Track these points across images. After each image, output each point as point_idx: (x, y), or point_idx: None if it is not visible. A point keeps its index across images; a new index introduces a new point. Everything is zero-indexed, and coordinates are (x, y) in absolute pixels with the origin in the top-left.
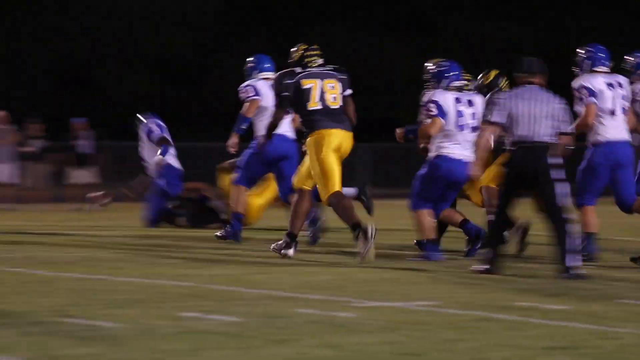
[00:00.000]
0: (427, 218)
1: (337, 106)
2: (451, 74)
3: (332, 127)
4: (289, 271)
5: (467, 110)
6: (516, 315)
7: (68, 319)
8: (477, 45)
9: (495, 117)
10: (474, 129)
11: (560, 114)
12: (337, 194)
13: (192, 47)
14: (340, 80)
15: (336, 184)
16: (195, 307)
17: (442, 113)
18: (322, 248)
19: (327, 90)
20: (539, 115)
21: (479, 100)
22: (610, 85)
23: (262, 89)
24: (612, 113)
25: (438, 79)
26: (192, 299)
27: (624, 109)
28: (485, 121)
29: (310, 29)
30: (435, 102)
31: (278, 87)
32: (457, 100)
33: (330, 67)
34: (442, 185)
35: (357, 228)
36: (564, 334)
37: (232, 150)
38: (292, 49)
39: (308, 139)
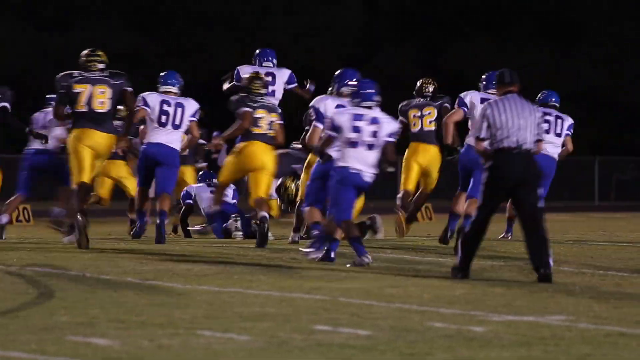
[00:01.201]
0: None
1: (104, 110)
2: (366, 91)
3: (90, 127)
4: (423, 284)
5: (366, 128)
6: None
7: (204, 331)
8: None
9: (484, 134)
10: (370, 146)
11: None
12: (82, 184)
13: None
14: (112, 86)
15: (84, 176)
16: (327, 321)
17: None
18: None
19: (95, 95)
20: (524, 123)
21: (385, 120)
22: None
23: (152, 101)
24: None
25: (354, 96)
26: (324, 312)
27: None
28: (477, 138)
29: (454, 41)
30: (315, 109)
31: (57, 85)
32: (357, 116)
33: (107, 72)
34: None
35: (64, 225)
36: None
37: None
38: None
39: (69, 136)
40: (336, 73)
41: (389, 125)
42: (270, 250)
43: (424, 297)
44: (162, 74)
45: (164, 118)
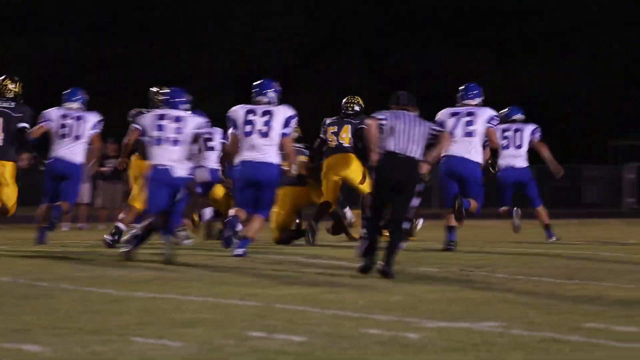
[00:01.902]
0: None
1: None
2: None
3: None
4: (358, 291)
5: (169, 125)
6: (584, 337)
7: (137, 338)
8: None
9: (380, 116)
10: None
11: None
12: None
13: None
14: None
15: None
16: (262, 327)
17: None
18: (394, 267)
19: None
20: (412, 134)
21: (188, 118)
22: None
23: (53, 116)
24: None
25: (167, 104)
26: (259, 318)
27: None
28: (373, 118)
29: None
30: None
31: None
32: (161, 116)
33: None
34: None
35: None
36: (633, 356)
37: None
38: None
39: None
40: (255, 83)
41: (193, 121)
42: (206, 256)
43: (358, 304)
44: (65, 92)
45: (65, 130)
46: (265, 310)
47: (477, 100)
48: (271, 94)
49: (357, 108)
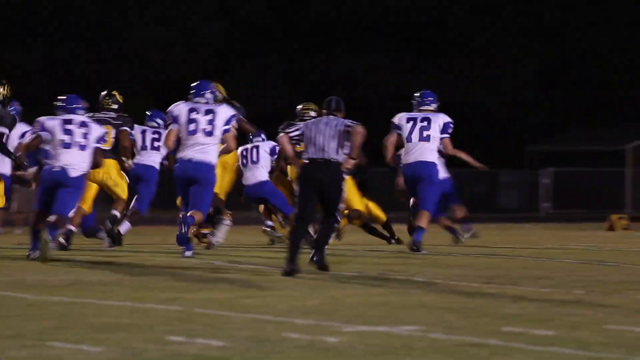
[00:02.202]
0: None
1: None
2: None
3: None
4: (278, 295)
5: (77, 131)
6: (503, 341)
7: (55, 342)
8: None
9: (291, 131)
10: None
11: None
12: None
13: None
14: None
15: None
16: (182, 331)
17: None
18: (313, 273)
19: None
20: (326, 137)
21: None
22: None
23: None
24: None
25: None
26: (179, 322)
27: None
28: (284, 133)
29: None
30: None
31: None
32: (67, 121)
33: None
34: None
35: None
36: (549, 359)
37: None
38: None
39: None
40: (193, 84)
41: (97, 131)
42: (127, 260)
43: (278, 308)
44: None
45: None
46: (185, 314)
47: (433, 106)
48: (208, 94)
49: (312, 114)
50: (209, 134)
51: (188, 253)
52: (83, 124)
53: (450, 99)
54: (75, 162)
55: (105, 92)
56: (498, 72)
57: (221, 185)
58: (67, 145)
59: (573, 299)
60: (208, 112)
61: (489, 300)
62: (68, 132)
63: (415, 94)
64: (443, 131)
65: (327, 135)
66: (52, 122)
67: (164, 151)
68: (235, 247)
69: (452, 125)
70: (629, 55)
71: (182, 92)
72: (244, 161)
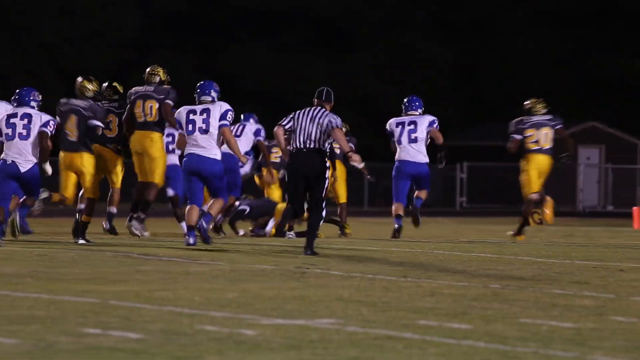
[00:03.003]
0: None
1: None
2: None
3: None
4: (194, 287)
5: (19, 122)
6: (418, 334)
7: None
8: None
9: (285, 122)
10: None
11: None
12: None
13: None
14: None
15: None
16: (97, 324)
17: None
18: (229, 265)
19: None
20: (310, 129)
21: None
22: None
23: None
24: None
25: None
26: (94, 315)
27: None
28: (279, 125)
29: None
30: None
31: None
32: (12, 115)
33: None
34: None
35: None
36: (464, 353)
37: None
38: None
39: None
40: (198, 84)
41: (43, 117)
42: (42, 252)
43: (194, 300)
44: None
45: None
46: (101, 307)
47: (420, 111)
48: (213, 93)
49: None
50: (205, 131)
51: (191, 240)
52: (26, 116)
53: (363, 93)
54: (23, 154)
55: (106, 84)
56: (410, 67)
57: None
58: (9, 138)
59: (488, 293)
60: (203, 111)
61: (405, 294)
62: (10, 125)
63: (404, 100)
64: (429, 127)
65: (310, 125)
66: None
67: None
68: (152, 239)
69: (437, 121)
70: (541, 51)
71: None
72: None
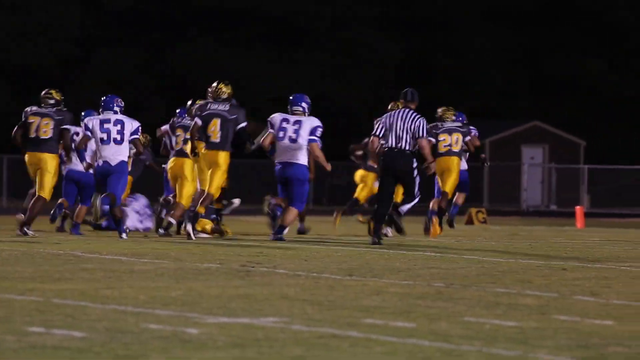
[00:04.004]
0: None
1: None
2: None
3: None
4: (138, 286)
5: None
6: (363, 333)
7: None
8: None
9: (378, 132)
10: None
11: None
12: None
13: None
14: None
15: None
16: (41, 322)
17: None
18: (174, 263)
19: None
20: (402, 130)
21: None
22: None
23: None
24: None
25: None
26: (38, 313)
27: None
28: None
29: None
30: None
31: None
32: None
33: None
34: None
35: None
36: (408, 351)
37: None
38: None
39: None
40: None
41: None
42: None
43: (139, 299)
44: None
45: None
46: (45, 305)
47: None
48: (304, 105)
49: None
50: (294, 141)
51: (278, 236)
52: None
53: (314, 90)
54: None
55: (189, 102)
56: (362, 65)
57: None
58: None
59: (433, 291)
60: (296, 122)
61: (350, 292)
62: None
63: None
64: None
65: (402, 126)
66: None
67: None
68: (99, 236)
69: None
70: (492, 49)
71: (41, 81)
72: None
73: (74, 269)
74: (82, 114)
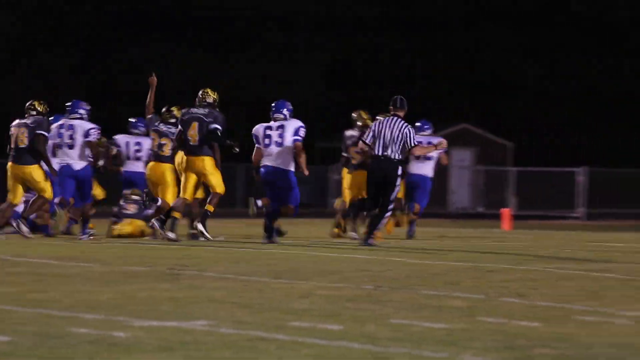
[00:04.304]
0: None
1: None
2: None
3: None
4: (65, 290)
5: None
6: (291, 335)
7: None
8: None
9: (367, 139)
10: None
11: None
12: None
13: None
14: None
15: None
16: None
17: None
18: (102, 266)
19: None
20: (389, 138)
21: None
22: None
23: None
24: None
25: None
26: None
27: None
28: (363, 142)
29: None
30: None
31: None
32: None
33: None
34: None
35: None
36: (337, 354)
37: None
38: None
39: None
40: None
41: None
42: None
43: (65, 302)
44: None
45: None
46: None
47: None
48: (285, 112)
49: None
50: (280, 145)
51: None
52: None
53: (247, 93)
54: None
55: (164, 109)
56: (288, 68)
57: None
58: None
59: (362, 294)
60: (279, 127)
61: (278, 295)
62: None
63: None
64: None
65: (389, 134)
66: None
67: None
68: (26, 239)
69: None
70: (417, 52)
71: None
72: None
73: (1, 272)
74: (51, 119)
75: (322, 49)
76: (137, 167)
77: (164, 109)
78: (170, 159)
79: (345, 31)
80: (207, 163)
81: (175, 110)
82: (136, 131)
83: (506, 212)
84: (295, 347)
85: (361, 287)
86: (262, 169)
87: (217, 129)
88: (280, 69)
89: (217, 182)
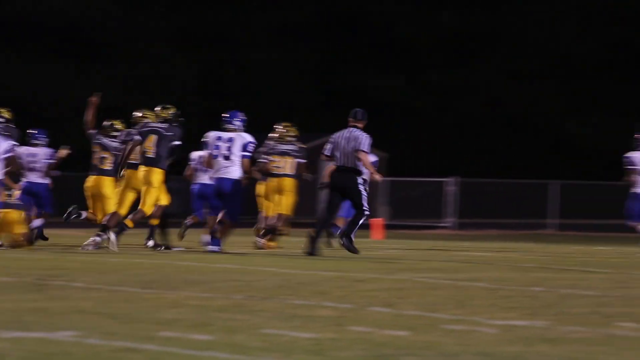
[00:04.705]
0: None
1: None
2: None
3: None
4: None
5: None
6: (160, 346)
7: None
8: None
9: (327, 152)
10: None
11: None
12: None
13: None
14: None
15: None
16: None
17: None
18: None
19: None
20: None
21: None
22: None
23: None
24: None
25: None
26: None
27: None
28: (322, 154)
29: None
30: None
31: None
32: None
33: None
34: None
35: None
36: None
37: None
38: None
39: None
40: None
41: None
42: None
43: None
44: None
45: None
46: None
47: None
48: (237, 122)
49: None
50: (227, 157)
51: (215, 248)
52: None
53: (110, 104)
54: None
55: (108, 123)
56: (155, 79)
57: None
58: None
59: (232, 303)
60: (229, 140)
61: (147, 305)
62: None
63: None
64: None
65: (347, 146)
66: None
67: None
68: None
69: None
70: (285, 63)
71: None
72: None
73: None
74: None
75: (190, 59)
76: (34, 177)
77: (107, 123)
78: (112, 173)
79: (215, 42)
80: (156, 177)
81: (117, 124)
82: (37, 142)
83: (377, 222)
84: (163, 358)
85: (231, 297)
86: (213, 182)
87: (179, 145)
88: (146, 79)
89: (150, 201)
